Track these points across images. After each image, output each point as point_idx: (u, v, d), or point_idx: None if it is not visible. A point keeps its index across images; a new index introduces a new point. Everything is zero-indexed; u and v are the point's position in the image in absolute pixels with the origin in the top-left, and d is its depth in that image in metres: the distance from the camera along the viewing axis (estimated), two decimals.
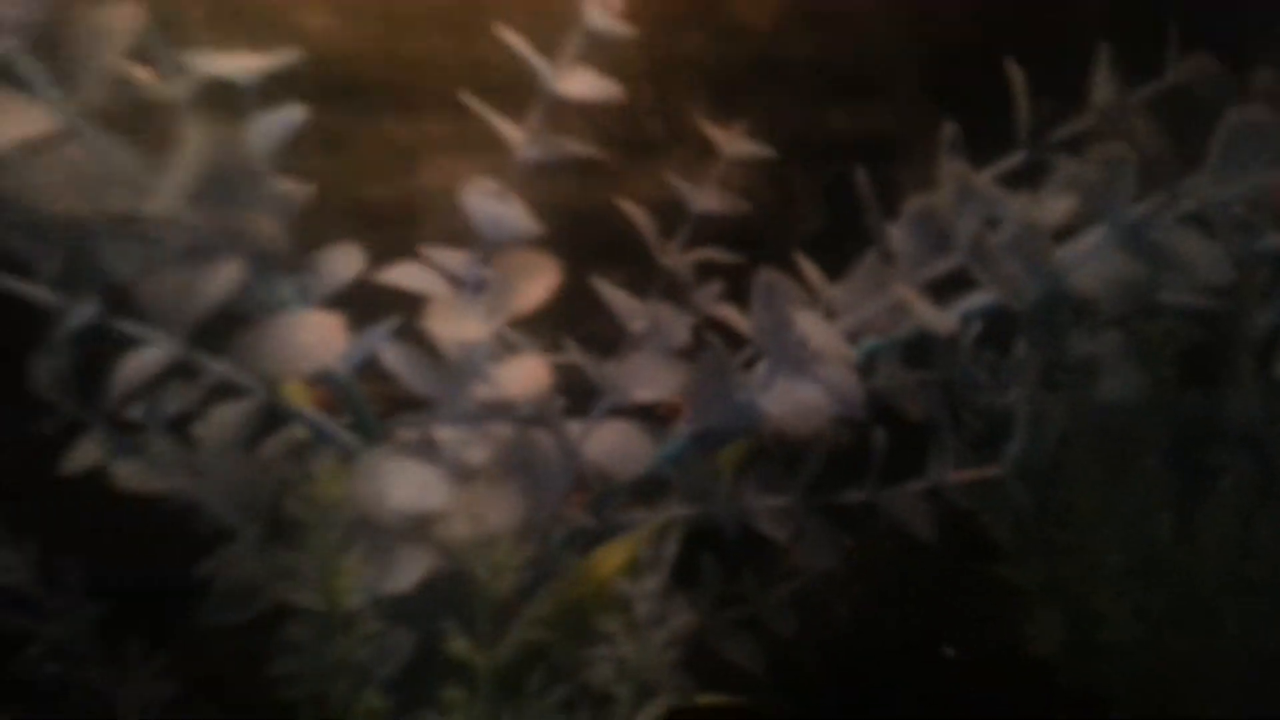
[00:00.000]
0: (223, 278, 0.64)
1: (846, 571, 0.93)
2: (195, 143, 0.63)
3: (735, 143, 0.92)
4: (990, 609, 1.05)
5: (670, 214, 0.92)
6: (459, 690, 0.66)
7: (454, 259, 0.84)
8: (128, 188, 0.61)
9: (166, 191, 0.61)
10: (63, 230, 0.63)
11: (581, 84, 0.81)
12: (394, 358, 0.80)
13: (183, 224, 0.63)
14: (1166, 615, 0.95)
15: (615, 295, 0.89)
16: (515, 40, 0.79)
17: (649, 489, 0.89)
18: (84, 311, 0.68)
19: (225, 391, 0.79)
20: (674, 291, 0.90)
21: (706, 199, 0.93)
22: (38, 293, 0.70)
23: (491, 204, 0.82)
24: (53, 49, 0.61)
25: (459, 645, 0.66)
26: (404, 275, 0.83)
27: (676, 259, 0.90)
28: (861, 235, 0.89)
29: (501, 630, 0.66)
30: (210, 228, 0.63)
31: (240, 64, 0.71)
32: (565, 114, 0.82)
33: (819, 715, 1.01)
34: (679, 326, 0.87)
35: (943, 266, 0.77)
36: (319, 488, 0.72)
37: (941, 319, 0.74)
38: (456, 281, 0.82)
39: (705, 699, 0.82)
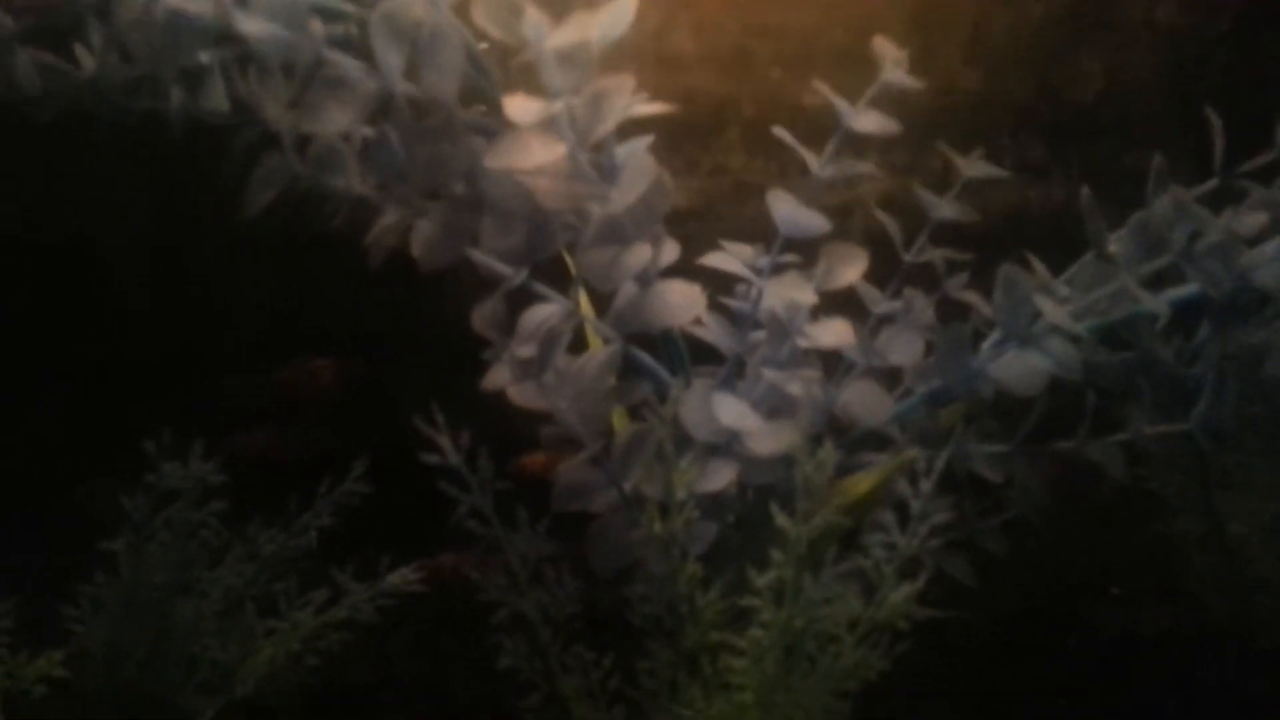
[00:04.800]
0: (638, 255, 0.91)
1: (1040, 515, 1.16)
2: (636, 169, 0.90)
3: (973, 166, 1.17)
4: (1155, 556, 1.28)
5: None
6: (778, 554, 0.91)
7: (747, 251, 1.11)
8: (591, 195, 0.88)
9: (615, 200, 0.89)
10: (532, 218, 0.91)
11: (870, 121, 1.07)
12: (712, 322, 1.08)
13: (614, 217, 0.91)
14: None
15: (862, 285, 1.14)
16: (824, 87, 1.06)
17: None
18: (519, 276, 0.96)
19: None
20: (917, 279, 1.15)
21: (945, 208, 1.17)
22: (486, 261, 0.98)
23: (791, 208, 1.08)
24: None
25: (782, 519, 0.92)
26: (718, 260, 1.10)
27: (925, 255, 1.15)
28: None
29: (812, 513, 0.91)
30: (630, 222, 0.91)
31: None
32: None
33: (1003, 629, 1.25)
34: (926, 307, 1.12)
35: (1156, 264, 1.02)
36: (655, 411, 0.98)
37: (1156, 303, 0.99)
38: (754, 267, 1.09)
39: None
